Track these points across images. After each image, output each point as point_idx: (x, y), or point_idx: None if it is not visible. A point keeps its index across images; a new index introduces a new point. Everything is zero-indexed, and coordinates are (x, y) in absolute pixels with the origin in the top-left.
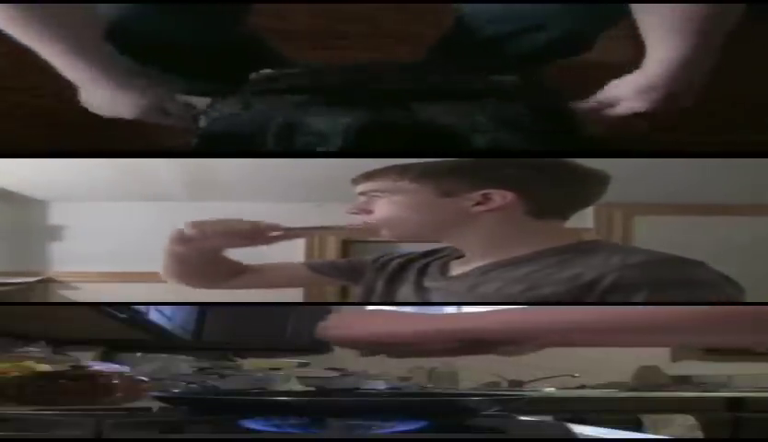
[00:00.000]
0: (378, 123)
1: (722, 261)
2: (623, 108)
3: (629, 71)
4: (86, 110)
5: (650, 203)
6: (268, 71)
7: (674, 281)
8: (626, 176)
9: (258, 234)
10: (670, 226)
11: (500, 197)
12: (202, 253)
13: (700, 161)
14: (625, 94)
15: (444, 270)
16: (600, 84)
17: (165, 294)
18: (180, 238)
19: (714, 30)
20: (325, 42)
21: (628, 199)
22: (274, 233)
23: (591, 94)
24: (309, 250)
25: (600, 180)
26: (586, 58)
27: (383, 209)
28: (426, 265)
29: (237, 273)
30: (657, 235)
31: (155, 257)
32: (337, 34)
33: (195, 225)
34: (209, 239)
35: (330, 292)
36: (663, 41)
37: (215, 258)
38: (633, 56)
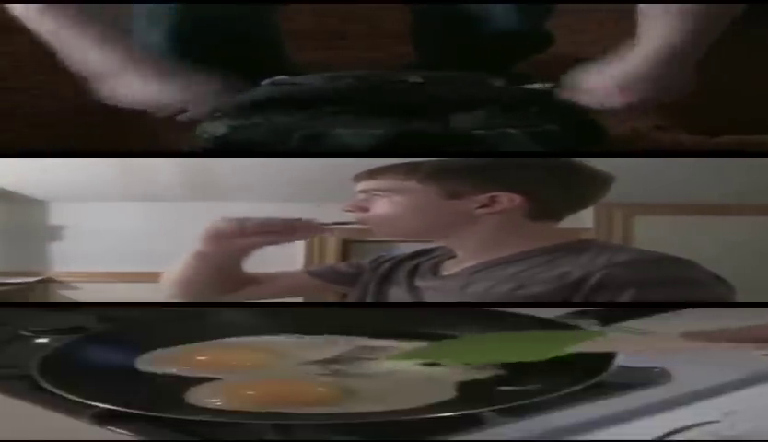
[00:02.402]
0: (409, 135)
1: (722, 260)
2: (606, 102)
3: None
4: (86, 109)
5: (650, 203)
6: (283, 77)
7: (662, 280)
8: (626, 176)
9: (295, 231)
10: (670, 226)
11: (508, 200)
12: (231, 255)
13: (700, 161)
14: (607, 87)
15: (435, 270)
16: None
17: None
18: (216, 235)
19: (711, 21)
20: (324, 42)
21: (628, 199)
22: (310, 229)
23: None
24: (309, 250)
25: (605, 181)
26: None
27: (381, 208)
28: (417, 266)
29: (244, 284)
30: (657, 235)
31: (155, 257)
32: (336, 34)
33: (234, 220)
34: (248, 237)
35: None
36: (658, 29)
37: (236, 264)
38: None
